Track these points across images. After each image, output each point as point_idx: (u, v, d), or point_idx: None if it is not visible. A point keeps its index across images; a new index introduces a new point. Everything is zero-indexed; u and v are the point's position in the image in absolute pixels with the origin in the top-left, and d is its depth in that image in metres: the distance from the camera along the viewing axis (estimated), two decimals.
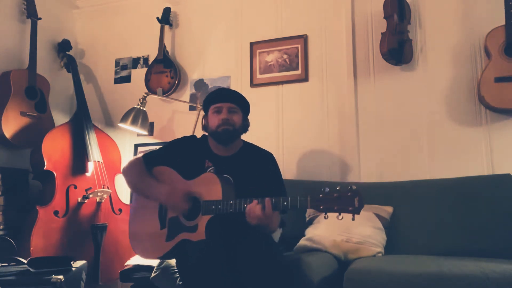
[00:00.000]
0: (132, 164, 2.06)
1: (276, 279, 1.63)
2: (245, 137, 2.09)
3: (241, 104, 2.01)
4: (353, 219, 1.54)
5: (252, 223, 1.69)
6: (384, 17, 2.68)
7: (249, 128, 2.08)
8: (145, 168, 2.03)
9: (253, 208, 1.67)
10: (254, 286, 1.62)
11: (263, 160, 2.01)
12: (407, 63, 2.68)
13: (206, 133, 2.05)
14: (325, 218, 1.58)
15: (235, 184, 1.86)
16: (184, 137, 2.15)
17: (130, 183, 2.05)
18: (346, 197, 1.54)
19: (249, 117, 2.09)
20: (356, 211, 1.53)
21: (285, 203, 1.65)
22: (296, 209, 1.65)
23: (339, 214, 1.55)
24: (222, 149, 2.00)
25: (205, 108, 2.04)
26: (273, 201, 1.67)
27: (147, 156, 2.10)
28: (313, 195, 1.60)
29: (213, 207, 1.78)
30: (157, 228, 1.94)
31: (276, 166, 2.03)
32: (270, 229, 1.80)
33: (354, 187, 1.55)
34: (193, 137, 2.16)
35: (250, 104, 2.06)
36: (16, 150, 2.93)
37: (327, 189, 1.59)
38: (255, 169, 1.93)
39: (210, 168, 1.96)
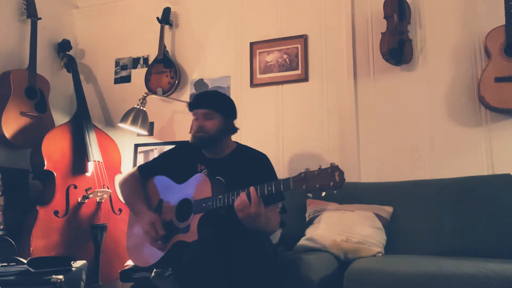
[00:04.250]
0: (125, 180, 2.14)
1: (271, 277, 1.63)
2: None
3: (218, 108, 1.98)
4: (335, 193, 1.55)
5: (241, 216, 1.68)
6: (384, 17, 2.68)
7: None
8: (138, 182, 2.10)
9: (240, 199, 1.67)
10: (249, 285, 1.61)
11: (257, 162, 2.00)
12: (407, 63, 2.69)
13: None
14: (309, 196, 1.58)
15: (228, 186, 1.87)
16: (177, 146, 2.21)
17: (123, 199, 2.15)
18: (326, 173, 1.55)
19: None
20: (337, 185, 1.53)
21: (269, 188, 1.65)
22: (281, 192, 1.66)
23: (322, 191, 1.55)
24: (212, 152, 2.03)
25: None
26: (258, 189, 1.67)
27: (142, 167, 2.16)
28: (294, 175, 1.61)
29: (203, 204, 1.80)
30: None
31: (270, 167, 2.01)
32: (264, 225, 1.75)
33: (334, 164, 1.56)
34: (186, 143, 2.15)
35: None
36: (16, 150, 2.93)
37: (308, 168, 1.60)
38: (248, 170, 1.93)
39: (204, 171, 1.99)
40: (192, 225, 1.81)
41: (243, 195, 1.68)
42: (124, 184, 2.13)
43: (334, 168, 1.55)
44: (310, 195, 1.58)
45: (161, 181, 2.06)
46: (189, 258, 1.66)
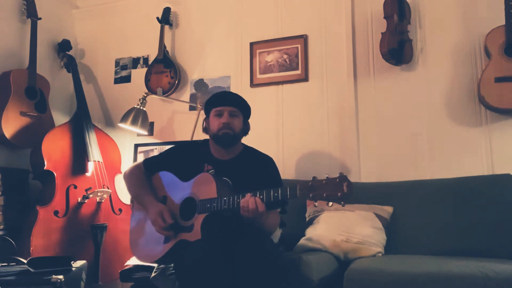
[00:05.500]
0: (131, 172, 2.12)
1: (273, 278, 1.63)
2: (245, 137, 2.10)
3: (243, 108, 2.03)
4: (343, 205, 1.51)
5: (245, 215, 1.70)
6: (384, 17, 2.68)
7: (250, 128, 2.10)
8: (144, 175, 2.09)
9: (246, 200, 1.68)
10: (252, 286, 1.62)
11: (263, 164, 2.03)
12: (407, 63, 2.68)
13: (207, 135, 2.08)
14: (314, 206, 1.56)
15: (234, 187, 1.87)
16: (184, 143, 2.21)
17: (128, 190, 2.13)
18: (334, 183, 1.52)
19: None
20: (345, 196, 1.49)
21: (275, 194, 1.65)
22: (287, 199, 1.65)
23: (328, 202, 1.52)
24: (222, 152, 2.03)
25: (207, 111, 2.06)
26: (264, 194, 1.68)
27: (147, 161, 2.15)
28: (302, 183, 1.59)
29: (208, 205, 1.80)
30: (155, 232, 1.95)
31: (276, 170, 2.05)
32: (266, 226, 1.80)
33: (343, 174, 1.53)
34: (193, 142, 2.21)
35: (250, 104, 2.08)
36: (16, 150, 2.93)
37: (316, 177, 1.58)
38: (254, 172, 1.94)
39: (211, 171, 1.99)
40: (196, 225, 1.80)
41: (250, 199, 1.68)
42: (130, 175, 2.11)
43: (342, 178, 1.52)
44: (316, 203, 1.56)
45: (166, 177, 2.06)
46: (193, 258, 1.67)
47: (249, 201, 1.68)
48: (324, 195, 1.53)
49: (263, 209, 1.66)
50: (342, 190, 1.50)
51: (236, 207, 1.72)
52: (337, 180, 1.52)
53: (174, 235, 1.87)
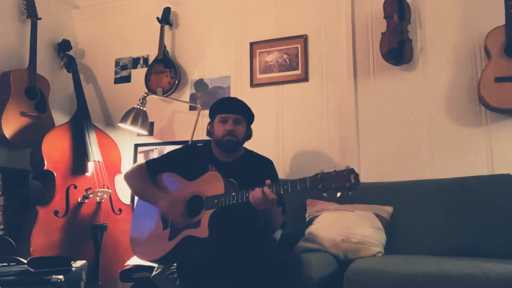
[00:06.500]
0: (134, 170, 2.13)
1: (275, 275, 1.65)
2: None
3: (247, 115, 2.08)
4: (351, 195, 1.61)
5: (258, 207, 1.74)
6: (384, 17, 2.68)
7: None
8: (147, 174, 2.10)
9: (256, 192, 1.73)
10: (253, 282, 1.64)
11: (264, 166, 2.10)
12: (407, 63, 2.68)
13: (210, 138, 2.12)
14: (324, 196, 1.64)
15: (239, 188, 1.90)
16: (187, 146, 2.25)
17: (132, 188, 2.13)
18: (342, 175, 1.61)
19: None
20: (353, 187, 1.59)
21: (285, 186, 1.71)
22: (296, 191, 1.70)
23: (337, 192, 1.62)
24: (224, 155, 2.08)
25: (212, 115, 2.10)
26: (273, 187, 1.73)
27: (150, 162, 2.16)
28: (311, 176, 1.67)
29: (215, 201, 1.82)
30: (160, 229, 1.97)
31: (275, 172, 2.12)
32: (273, 215, 1.85)
33: (349, 167, 1.63)
34: (194, 145, 2.24)
35: (250, 104, 2.10)
36: (16, 150, 2.93)
37: (324, 170, 1.66)
38: (256, 174, 1.98)
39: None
40: (203, 221, 1.82)
41: (259, 191, 1.72)
42: (133, 174, 2.12)
43: (349, 170, 1.61)
44: (325, 194, 1.64)
45: (171, 177, 2.08)
46: (200, 255, 1.69)
47: (259, 191, 1.72)
48: (333, 186, 1.61)
49: (273, 196, 1.71)
50: (350, 181, 1.59)
51: (245, 201, 1.75)
52: (345, 173, 1.61)
53: (181, 229, 1.88)
